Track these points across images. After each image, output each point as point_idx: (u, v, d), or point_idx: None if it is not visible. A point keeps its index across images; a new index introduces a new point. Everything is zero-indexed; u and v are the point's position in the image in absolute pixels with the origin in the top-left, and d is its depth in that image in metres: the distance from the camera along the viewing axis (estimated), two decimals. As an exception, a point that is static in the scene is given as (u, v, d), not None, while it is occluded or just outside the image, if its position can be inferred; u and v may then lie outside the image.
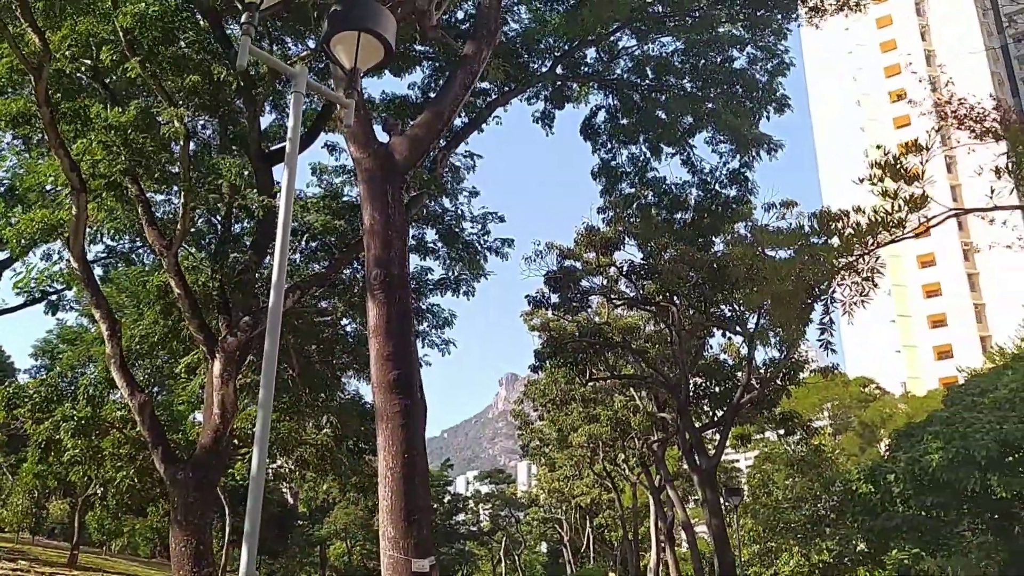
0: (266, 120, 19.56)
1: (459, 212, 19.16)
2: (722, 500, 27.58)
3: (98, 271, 23.90)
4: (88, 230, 16.73)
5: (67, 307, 33.21)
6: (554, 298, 30.07)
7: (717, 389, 31.52)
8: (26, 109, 14.45)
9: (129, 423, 23.35)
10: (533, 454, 63.82)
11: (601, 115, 22.03)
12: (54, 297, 31.37)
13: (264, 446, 7.33)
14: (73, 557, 27.73)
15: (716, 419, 30.85)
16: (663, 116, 21.17)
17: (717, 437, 33.46)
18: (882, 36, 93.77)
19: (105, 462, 23.43)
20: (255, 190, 17.08)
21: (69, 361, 41.46)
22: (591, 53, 21.53)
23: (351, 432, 23.78)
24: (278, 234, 7.66)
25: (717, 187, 21.31)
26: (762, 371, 28.60)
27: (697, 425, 30.82)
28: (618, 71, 21.85)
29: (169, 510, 14.52)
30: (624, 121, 21.82)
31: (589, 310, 32.43)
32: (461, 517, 77.33)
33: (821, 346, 11.60)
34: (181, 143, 15.84)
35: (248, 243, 18.47)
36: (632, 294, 30.47)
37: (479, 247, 19.40)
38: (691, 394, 29.14)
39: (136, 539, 42.33)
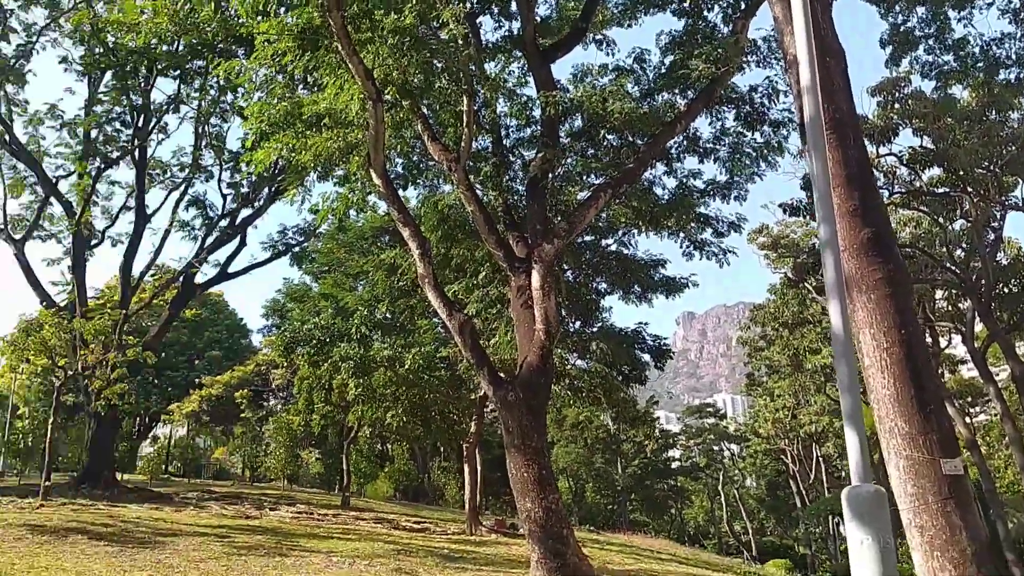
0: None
1: (773, 87, 16.57)
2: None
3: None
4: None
5: (310, 259, 33.84)
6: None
7: (1009, 289, 27.61)
8: (310, 19, 13.44)
9: (396, 362, 23.04)
10: (752, 385, 60.95)
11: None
12: (296, 249, 31.90)
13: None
14: (346, 500, 28.24)
15: (1013, 322, 26.98)
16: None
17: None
18: None
19: (379, 401, 23.29)
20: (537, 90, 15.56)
21: (299, 317, 42.86)
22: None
23: (622, 359, 22.25)
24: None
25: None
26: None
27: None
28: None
29: (503, 436, 13.44)
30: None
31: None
32: (674, 453, 75.59)
33: None
34: (461, 44, 14.49)
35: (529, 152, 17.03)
36: (901, 191, 27.00)
37: (790, 126, 16.71)
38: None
39: (382, 483, 43.66)
